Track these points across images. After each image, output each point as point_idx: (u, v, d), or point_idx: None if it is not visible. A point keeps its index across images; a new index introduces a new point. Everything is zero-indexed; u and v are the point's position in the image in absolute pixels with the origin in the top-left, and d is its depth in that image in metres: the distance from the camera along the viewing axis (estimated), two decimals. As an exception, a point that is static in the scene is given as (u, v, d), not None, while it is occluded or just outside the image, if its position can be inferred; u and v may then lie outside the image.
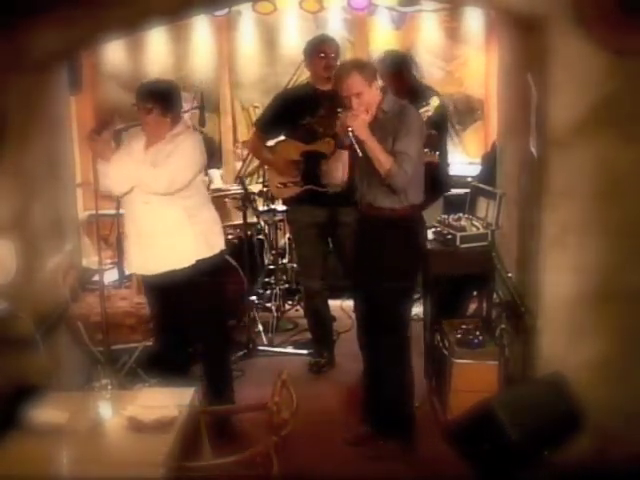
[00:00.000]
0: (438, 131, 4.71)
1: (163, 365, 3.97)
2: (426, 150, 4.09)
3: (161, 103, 3.74)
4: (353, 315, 4.95)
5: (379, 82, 3.79)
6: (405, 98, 3.93)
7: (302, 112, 4.71)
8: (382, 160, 3.58)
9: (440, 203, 5.35)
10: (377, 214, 3.71)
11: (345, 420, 4.14)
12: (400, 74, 4.87)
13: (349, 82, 3.59)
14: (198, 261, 3.81)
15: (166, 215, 3.78)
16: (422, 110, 4.42)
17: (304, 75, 4.99)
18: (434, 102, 4.49)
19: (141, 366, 4.31)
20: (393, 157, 3.58)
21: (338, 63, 4.78)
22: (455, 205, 4.73)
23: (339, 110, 4.23)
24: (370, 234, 3.77)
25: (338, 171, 4.20)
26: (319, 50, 4.69)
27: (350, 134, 3.55)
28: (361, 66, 3.68)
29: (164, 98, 3.76)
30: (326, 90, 4.72)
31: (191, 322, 3.95)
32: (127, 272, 4.34)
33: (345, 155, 3.95)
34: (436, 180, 4.83)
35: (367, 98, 3.62)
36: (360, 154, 3.57)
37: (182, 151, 3.76)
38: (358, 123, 3.55)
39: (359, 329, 4.06)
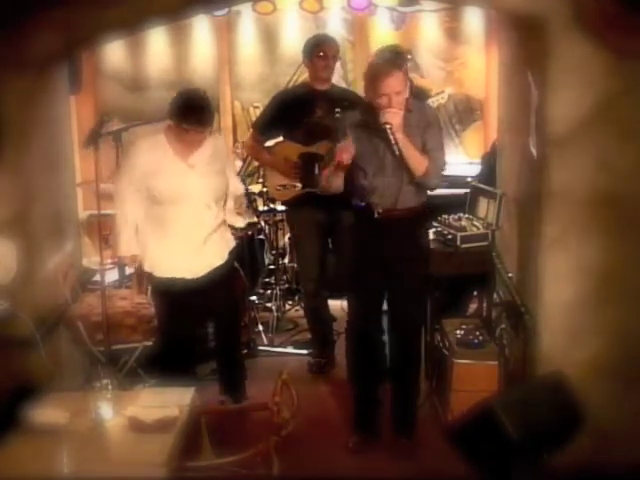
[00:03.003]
0: None
1: (173, 366, 3.97)
2: None
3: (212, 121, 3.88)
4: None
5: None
6: None
7: (299, 113, 4.70)
8: (420, 159, 3.59)
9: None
10: (399, 215, 3.69)
11: (345, 420, 4.14)
12: None
13: (392, 80, 3.51)
14: (229, 254, 4.07)
15: (221, 216, 4.00)
16: (433, 99, 4.42)
17: (304, 75, 4.98)
18: (448, 91, 4.50)
19: (141, 366, 4.31)
20: (427, 155, 3.61)
21: (337, 64, 4.80)
22: (455, 205, 4.73)
23: (337, 110, 4.24)
24: (394, 235, 3.70)
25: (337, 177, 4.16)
26: (318, 50, 4.67)
27: (389, 132, 3.50)
28: (401, 64, 3.62)
29: (213, 115, 3.89)
30: (323, 90, 4.72)
31: (216, 318, 4.18)
32: (167, 275, 3.97)
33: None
34: None
35: (404, 97, 3.58)
36: (397, 152, 3.54)
37: (226, 152, 4.10)
38: (398, 121, 3.51)
39: (368, 336, 3.89)
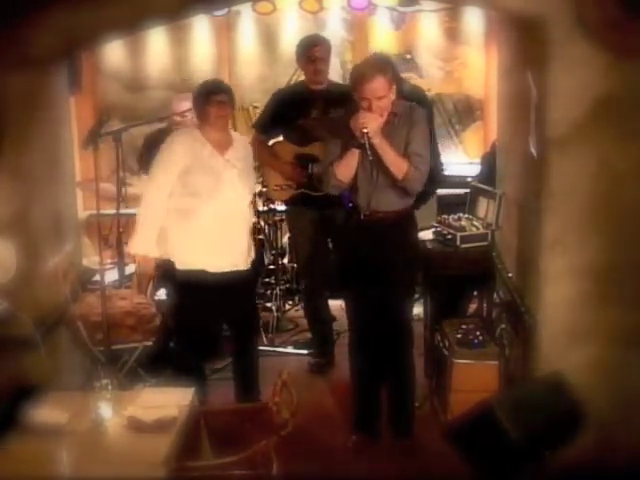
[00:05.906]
0: None
1: (185, 364, 4.07)
2: None
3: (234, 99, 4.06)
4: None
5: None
6: None
7: (297, 112, 4.70)
8: (399, 163, 3.55)
9: (434, 203, 5.34)
10: (384, 217, 3.68)
11: (345, 420, 4.14)
12: None
13: (374, 85, 3.48)
14: (251, 263, 4.17)
15: (250, 217, 4.22)
16: None
17: (304, 75, 4.98)
18: None
19: (141, 366, 4.31)
20: (408, 159, 3.57)
21: (337, 64, 4.80)
22: (455, 205, 4.73)
23: (330, 112, 4.25)
24: (379, 238, 3.69)
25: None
26: (307, 54, 4.68)
27: (365, 137, 3.46)
28: (385, 69, 3.57)
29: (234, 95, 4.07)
30: (319, 90, 4.72)
31: (233, 322, 4.23)
32: (189, 267, 4.04)
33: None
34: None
35: (387, 102, 3.55)
36: (371, 158, 3.50)
37: (251, 154, 4.23)
38: (375, 126, 3.48)
39: (364, 336, 3.89)
